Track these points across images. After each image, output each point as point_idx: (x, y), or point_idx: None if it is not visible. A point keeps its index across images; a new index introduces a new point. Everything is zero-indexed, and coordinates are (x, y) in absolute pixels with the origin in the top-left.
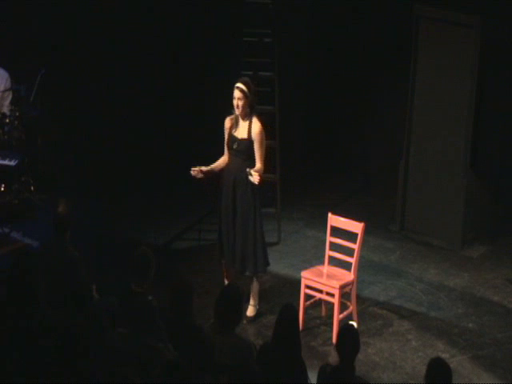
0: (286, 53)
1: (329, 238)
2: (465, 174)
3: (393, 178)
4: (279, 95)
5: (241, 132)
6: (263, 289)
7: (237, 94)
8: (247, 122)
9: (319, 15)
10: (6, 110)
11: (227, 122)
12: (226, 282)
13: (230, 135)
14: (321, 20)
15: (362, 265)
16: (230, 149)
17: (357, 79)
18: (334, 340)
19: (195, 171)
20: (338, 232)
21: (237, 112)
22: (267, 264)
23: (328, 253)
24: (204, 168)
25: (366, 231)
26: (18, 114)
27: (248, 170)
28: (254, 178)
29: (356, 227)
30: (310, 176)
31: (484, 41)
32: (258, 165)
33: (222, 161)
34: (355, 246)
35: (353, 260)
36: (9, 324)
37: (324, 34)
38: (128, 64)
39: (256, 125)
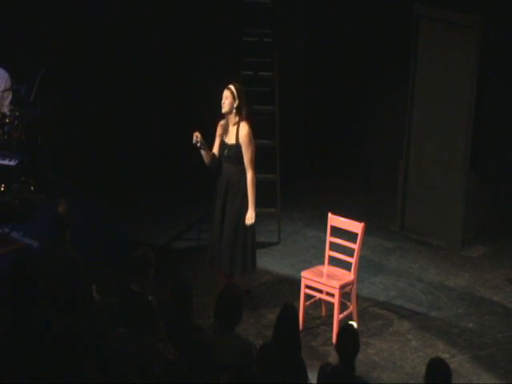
0: (286, 53)
1: (329, 238)
2: (465, 173)
3: (393, 177)
4: (279, 95)
5: (230, 138)
6: (263, 289)
7: (224, 93)
8: (235, 127)
9: (319, 15)
10: (6, 109)
11: (219, 129)
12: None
13: (221, 142)
14: (321, 20)
15: (362, 265)
16: (221, 155)
17: (357, 79)
18: (334, 340)
19: (197, 137)
20: (338, 232)
21: (222, 110)
22: (254, 266)
23: (328, 253)
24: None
25: (366, 231)
26: (18, 113)
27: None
28: (248, 221)
29: (356, 227)
30: (310, 176)
31: (484, 41)
32: (249, 173)
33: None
34: (355, 246)
35: (353, 260)
36: (9, 324)
37: (324, 34)
38: (128, 64)
39: (243, 129)
